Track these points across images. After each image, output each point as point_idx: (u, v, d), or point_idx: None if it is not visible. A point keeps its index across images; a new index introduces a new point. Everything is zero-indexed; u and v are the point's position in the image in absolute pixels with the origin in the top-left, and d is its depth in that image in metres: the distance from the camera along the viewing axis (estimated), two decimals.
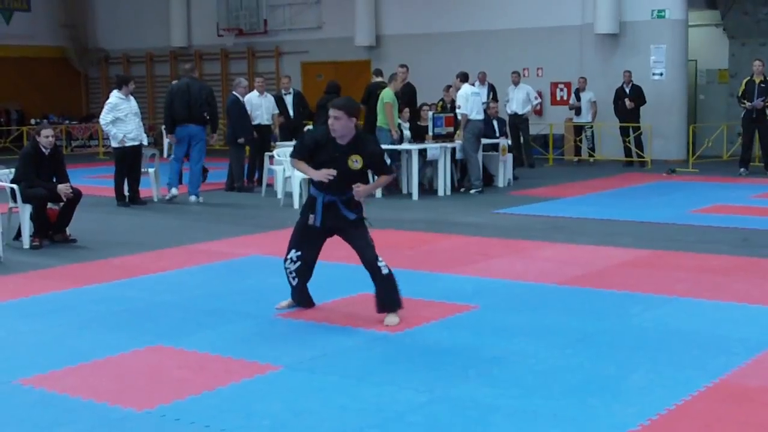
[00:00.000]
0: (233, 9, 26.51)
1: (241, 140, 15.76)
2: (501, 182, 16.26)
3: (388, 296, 7.04)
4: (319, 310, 7.38)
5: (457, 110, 15.30)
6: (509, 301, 7.67)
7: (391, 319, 6.97)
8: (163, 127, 15.76)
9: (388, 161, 7.45)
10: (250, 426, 4.88)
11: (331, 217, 7.17)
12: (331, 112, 6.99)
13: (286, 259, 7.28)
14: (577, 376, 5.63)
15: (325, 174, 6.94)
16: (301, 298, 7.45)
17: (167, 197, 14.56)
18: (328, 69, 24.09)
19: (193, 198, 14.64)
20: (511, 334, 6.62)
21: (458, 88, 15.49)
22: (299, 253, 7.24)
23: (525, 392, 5.34)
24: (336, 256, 9.62)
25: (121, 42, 28.59)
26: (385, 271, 7.01)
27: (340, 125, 6.97)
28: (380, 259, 7.05)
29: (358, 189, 7.09)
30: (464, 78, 15.64)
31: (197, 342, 6.49)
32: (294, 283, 7.33)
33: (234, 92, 16.13)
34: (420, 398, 5.27)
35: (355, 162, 7.05)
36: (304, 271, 7.29)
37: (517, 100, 19.77)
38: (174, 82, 16.41)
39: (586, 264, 9.14)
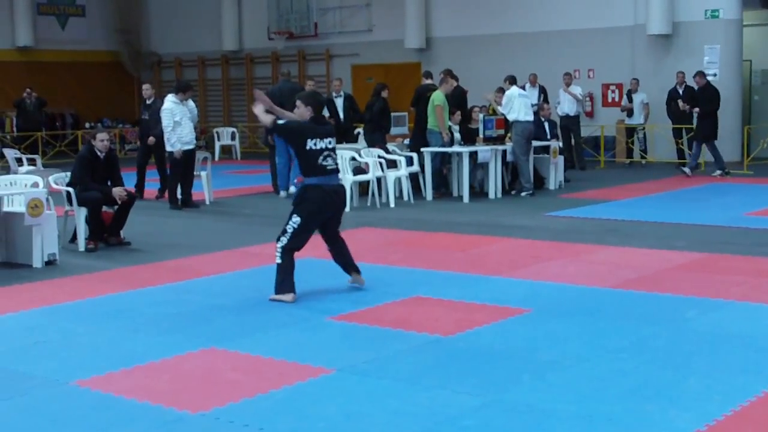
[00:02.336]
0: (284, 12, 26.65)
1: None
2: (552, 185, 16.15)
3: (351, 258, 8.32)
4: (372, 313, 7.39)
5: (498, 108, 15.33)
6: (562, 304, 7.62)
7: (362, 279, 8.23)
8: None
9: (281, 122, 8.13)
10: (303, 429, 4.90)
11: (335, 199, 8.19)
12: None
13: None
14: (633, 380, 5.58)
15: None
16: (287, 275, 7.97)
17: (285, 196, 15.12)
18: (378, 71, 24.12)
19: (283, 193, 15.11)
20: (564, 338, 6.58)
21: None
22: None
23: (580, 397, 5.30)
24: (389, 260, 9.67)
25: (173, 46, 28.88)
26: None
27: (299, 114, 7.94)
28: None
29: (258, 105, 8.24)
30: (512, 81, 15.66)
31: (251, 345, 6.53)
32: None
33: None
34: (473, 402, 5.25)
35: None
36: None
37: (568, 102, 19.63)
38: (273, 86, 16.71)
39: (639, 267, 9.05)
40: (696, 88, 18.25)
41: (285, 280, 7.79)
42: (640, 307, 7.46)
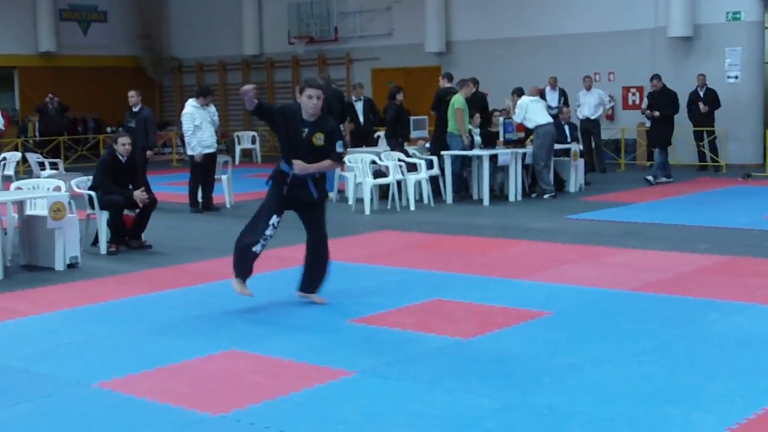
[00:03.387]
0: (304, 17, 26.71)
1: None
2: (573, 187, 16.11)
3: (318, 278, 7.77)
4: (392, 316, 7.39)
5: (513, 117, 15.32)
6: (583, 307, 7.60)
7: (318, 298, 7.76)
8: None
9: (341, 147, 7.68)
10: (324, 431, 4.90)
11: (296, 192, 7.60)
12: (313, 92, 7.45)
13: (267, 227, 7.60)
14: (654, 383, 5.55)
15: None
16: (250, 268, 7.71)
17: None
18: (399, 75, 24.12)
19: (331, 195, 15.02)
20: (585, 340, 6.56)
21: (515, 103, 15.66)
22: (279, 218, 7.65)
23: (601, 400, 5.28)
24: (409, 263, 9.66)
25: (194, 51, 28.99)
26: (325, 254, 7.72)
27: (319, 105, 7.48)
28: (327, 243, 7.72)
29: (297, 163, 7.46)
30: (519, 93, 15.91)
31: (271, 347, 6.54)
32: (259, 251, 7.61)
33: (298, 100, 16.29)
34: (494, 405, 5.25)
35: (319, 139, 7.48)
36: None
37: (588, 105, 19.57)
38: None
39: (661, 270, 9.02)
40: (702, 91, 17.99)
41: (241, 266, 7.69)
42: (662, 310, 7.42)
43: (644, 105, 18.19)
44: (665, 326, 6.90)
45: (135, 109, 14.43)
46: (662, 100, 17.21)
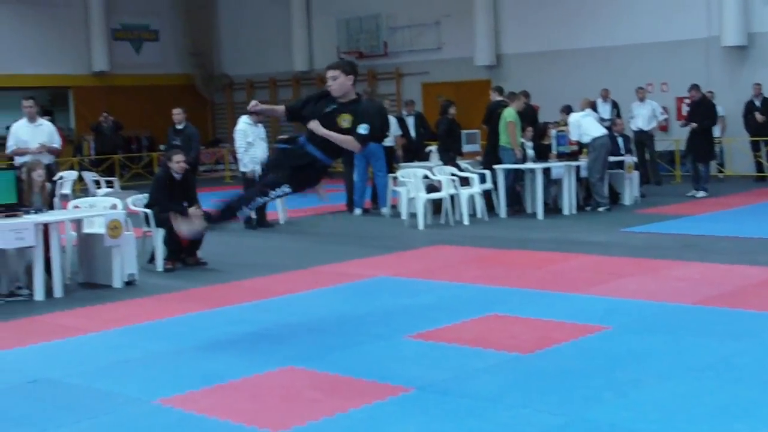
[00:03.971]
0: (353, 32, 26.82)
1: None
2: (627, 200, 15.95)
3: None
4: (450, 331, 7.35)
5: (570, 137, 15.22)
6: (643, 321, 7.50)
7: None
8: None
9: (364, 131, 7.11)
10: None
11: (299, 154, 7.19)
12: (329, 73, 7.13)
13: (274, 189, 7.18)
14: (719, 399, 5.45)
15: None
16: (228, 217, 7.35)
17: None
18: (449, 89, 24.10)
19: (384, 210, 15.42)
20: (646, 355, 6.47)
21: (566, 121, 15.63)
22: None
23: (665, 416, 5.19)
24: (464, 277, 9.62)
25: (245, 68, 29.23)
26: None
27: (338, 84, 7.11)
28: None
29: (312, 123, 7.14)
30: (567, 110, 15.82)
31: (328, 363, 6.53)
32: (253, 207, 7.46)
33: None
34: (556, 421, 5.19)
35: (345, 120, 7.09)
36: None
37: (642, 117, 19.37)
38: None
39: (721, 283, 8.88)
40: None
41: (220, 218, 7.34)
42: (723, 324, 7.30)
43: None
44: (727, 340, 6.79)
45: (179, 127, 14.48)
46: (701, 111, 16.74)
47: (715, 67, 20.64)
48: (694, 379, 5.87)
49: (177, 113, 14.56)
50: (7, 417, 5.65)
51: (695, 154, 16.80)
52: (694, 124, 16.67)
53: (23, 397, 6.07)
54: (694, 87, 17.08)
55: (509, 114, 14.85)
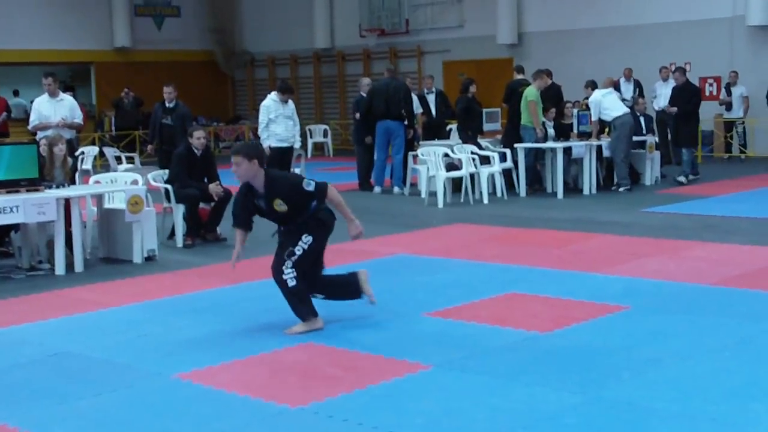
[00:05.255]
0: (375, 9, 26.73)
1: (368, 140, 15.91)
2: (648, 180, 15.88)
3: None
4: (468, 309, 7.35)
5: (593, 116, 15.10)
6: (662, 301, 7.48)
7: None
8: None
9: (311, 185, 6.83)
10: (402, 424, 4.90)
11: None
12: (233, 159, 6.69)
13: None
14: (737, 379, 5.44)
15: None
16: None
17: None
18: (470, 67, 24.00)
19: (397, 189, 15.45)
20: (665, 335, 6.46)
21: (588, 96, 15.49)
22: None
23: (683, 395, 5.19)
24: (483, 256, 9.62)
25: (266, 45, 29.19)
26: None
27: (243, 170, 6.69)
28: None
29: (355, 229, 7.15)
30: (593, 86, 15.65)
31: (347, 340, 6.56)
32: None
33: (361, 92, 16.38)
34: (573, 399, 5.19)
35: (280, 205, 6.74)
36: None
37: (664, 96, 19.17)
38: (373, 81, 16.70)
39: (741, 264, 8.84)
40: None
41: (308, 305, 6.90)
42: (743, 305, 7.28)
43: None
44: (746, 321, 6.77)
45: (169, 105, 13.38)
46: (683, 96, 15.98)
47: (739, 46, 20.45)
48: (712, 359, 5.87)
49: (169, 91, 13.37)
50: (29, 388, 5.71)
51: (681, 142, 16.05)
52: (674, 109, 16.15)
53: (45, 369, 6.13)
54: (678, 70, 16.39)
55: (530, 93, 14.80)
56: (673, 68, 19.84)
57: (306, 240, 6.84)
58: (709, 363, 5.80)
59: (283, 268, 6.77)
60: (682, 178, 15.82)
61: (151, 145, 13.82)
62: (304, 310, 6.84)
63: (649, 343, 6.28)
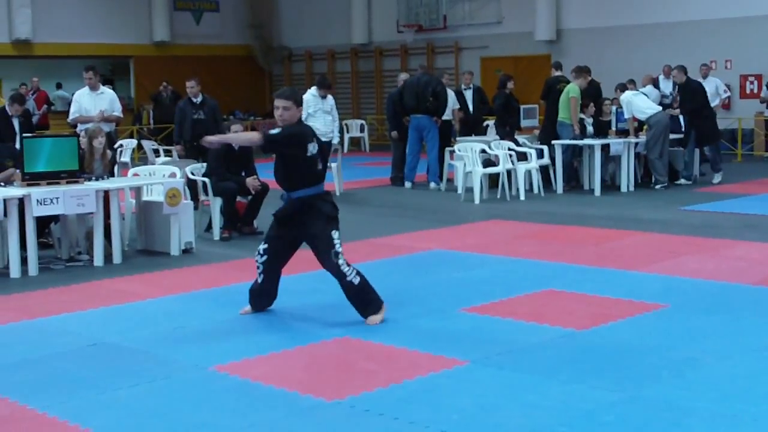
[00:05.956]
0: (413, 5, 26.68)
1: (394, 134, 15.94)
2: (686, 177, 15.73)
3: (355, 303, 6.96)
4: (505, 306, 7.33)
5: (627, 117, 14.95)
6: (701, 300, 7.41)
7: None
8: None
9: (273, 131, 6.90)
10: (438, 420, 4.88)
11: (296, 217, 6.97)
12: (280, 103, 6.81)
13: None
14: None
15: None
16: (257, 301, 7.25)
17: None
18: (508, 64, 23.91)
19: (433, 185, 15.45)
20: (704, 334, 6.40)
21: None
22: (266, 246, 7.11)
23: (722, 395, 5.14)
24: (520, 252, 9.58)
25: (304, 40, 29.24)
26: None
27: (288, 115, 6.82)
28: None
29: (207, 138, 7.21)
30: (622, 88, 15.51)
31: (384, 335, 6.55)
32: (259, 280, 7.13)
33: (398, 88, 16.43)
34: (611, 397, 5.15)
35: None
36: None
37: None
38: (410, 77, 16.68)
39: None
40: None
41: (374, 297, 6.93)
42: None
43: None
44: None
45: (196, 100, 13.27)
46: (686, 95, 15.46)
47: None
48: (752, 360, 5.80)
49: (192, 85, 13.17)
50: (68, 378, 5.76)
51: (704, 141, 15.43)
52: (676, 111, 15.72)
53: (83, 359, 6.18)
54: (678, 68, 15.66)
55: (572, 89, 14.74)
56: (714, 66, 19.61)
57: (335, 236, 6.90)
58: (749, 363, 5.74)
59: (342, 270, 6.81)
60: (717, 178, 15.53)
61: (179, 145, 13.47)
62: (376, 300, 6.90)
63: (688, 342, 6.23)
